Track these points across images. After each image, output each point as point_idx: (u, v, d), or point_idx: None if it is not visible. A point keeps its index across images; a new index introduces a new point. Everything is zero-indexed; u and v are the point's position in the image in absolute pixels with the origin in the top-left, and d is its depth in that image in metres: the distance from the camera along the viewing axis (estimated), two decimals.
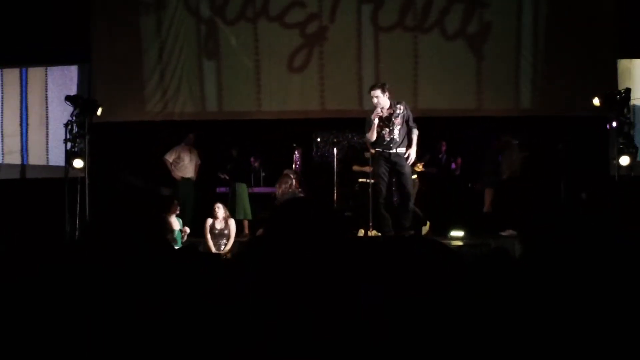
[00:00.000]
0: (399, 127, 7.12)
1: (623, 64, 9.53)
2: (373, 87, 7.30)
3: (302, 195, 7.86)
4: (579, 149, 8.82)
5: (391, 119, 7.10)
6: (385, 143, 7.12)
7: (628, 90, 8.31)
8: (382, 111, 7.08)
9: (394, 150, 7.13)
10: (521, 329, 1.61)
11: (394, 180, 7.49)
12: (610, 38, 9.30)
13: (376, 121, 7.08)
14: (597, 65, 9.28)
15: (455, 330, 1.53)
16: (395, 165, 7.15)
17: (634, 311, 1.65)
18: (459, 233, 8.39)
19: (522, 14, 9.46)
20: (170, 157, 9.34)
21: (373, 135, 7.11)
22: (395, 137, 7.11)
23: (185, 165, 9.36)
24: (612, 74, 9.34)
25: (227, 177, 9.35)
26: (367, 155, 8.45)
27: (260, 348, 1.50)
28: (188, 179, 9.38)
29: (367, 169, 8.32)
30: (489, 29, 9.47)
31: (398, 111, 7.14)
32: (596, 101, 8.33)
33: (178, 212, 8.04)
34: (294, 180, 7.89)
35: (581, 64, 9.26)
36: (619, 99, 8.20)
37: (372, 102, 7.22)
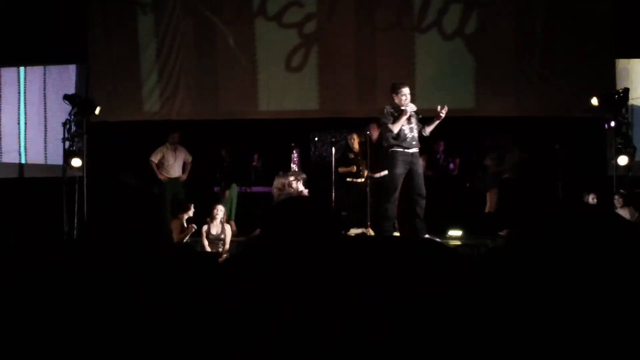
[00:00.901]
0: (415, 127, 7.15)
1: (621, 64, 9.54)
2: (404, 84, 7.17)
3: (305, 194, 7.80)
4: (577, 150, 8.83)
5: (411, 118, 7.11)
6: (407, 140, 7.03)
7: (626, 90, 8.33)
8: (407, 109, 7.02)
9: (413, 150, 7.10)
10: (519, 329, 1.62)
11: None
12: (608, 38, 9.31)
13: (409, 113, 6.98)
14: (595, 66, 9.28)
15: (453, 331, 1.53)
16: (413, 165, 7.11)
17: (633, 312, 1.65)
18: (457, 233, 8.41)
19: (519, 15, 9.47)
20: (155, 159, 9.15)
21: (396, 128, 6.98)
22: (415, 135, 7.10)
23: (170, 165, 9.18)
24: (610, 74, 9.36)
25: (222, 177, 9.35)
26: (352, 155, 8.48)
27: (259, 349, 1.50)
28: (175, 179, 9.21)
29: (353, 168, 8.37)
30: (487, 29, 9.48)
31: (413, 112, 7.15)
32: (594, 101, 8.34)
33: (191, 214, 7.87)
34: (289, 180, 7.86)
35: (579, 64, 9.27)
36: (617, 99, 8.22)
37: (401, 99, 7.02)
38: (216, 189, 9.49)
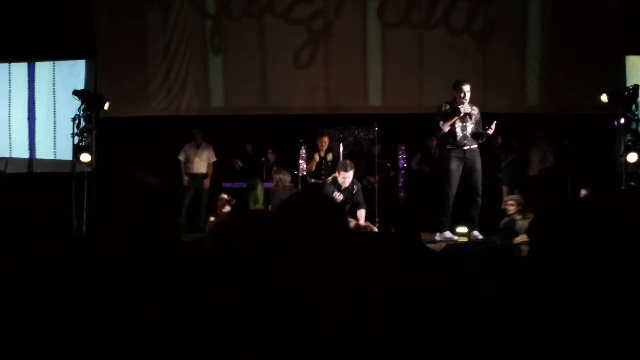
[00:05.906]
0: (472, 126, 7.22)
1: (631, 60, 9.48)
2: (466, 81, 7.27)
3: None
4: (586, 146, 8.78)
5: (466, 117, 7.20)
6: (458, 139, 7.18)
7: (636, 87, 8.27)
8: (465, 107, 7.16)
9: (467, 147, 7.22)
10: (524, 326, 1.61)
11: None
12: (617, 34, 9.27)
13: (462, 113, 7.12)
14: (604, 62, 9.24)
15: (457, 329, 1.53)
16: (468, 161, 7.23)
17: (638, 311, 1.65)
18: (465, 229, 8.36)
19: (528, 10, 9.45)
20: (182, 157, 9.30)
21: (446, 127, 7.12)
22: (467, 133, 7.21)
23: (192, 163, 9.31)
24: (620, 70, 9.31)
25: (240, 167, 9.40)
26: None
27: (262, 347, 1.51)
28: (196, 174, 9.29)
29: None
30: (495, 26, 9.46)
31: (474, 112, 7.25)
32: (604, 98, 8.30)
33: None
34: (280, 176, 7.86)
35: (588, 60, 9.24)
36: (626, 96, 8.17)
37: (460, 96, 7.16)
38: (225, 185, 9.47)
